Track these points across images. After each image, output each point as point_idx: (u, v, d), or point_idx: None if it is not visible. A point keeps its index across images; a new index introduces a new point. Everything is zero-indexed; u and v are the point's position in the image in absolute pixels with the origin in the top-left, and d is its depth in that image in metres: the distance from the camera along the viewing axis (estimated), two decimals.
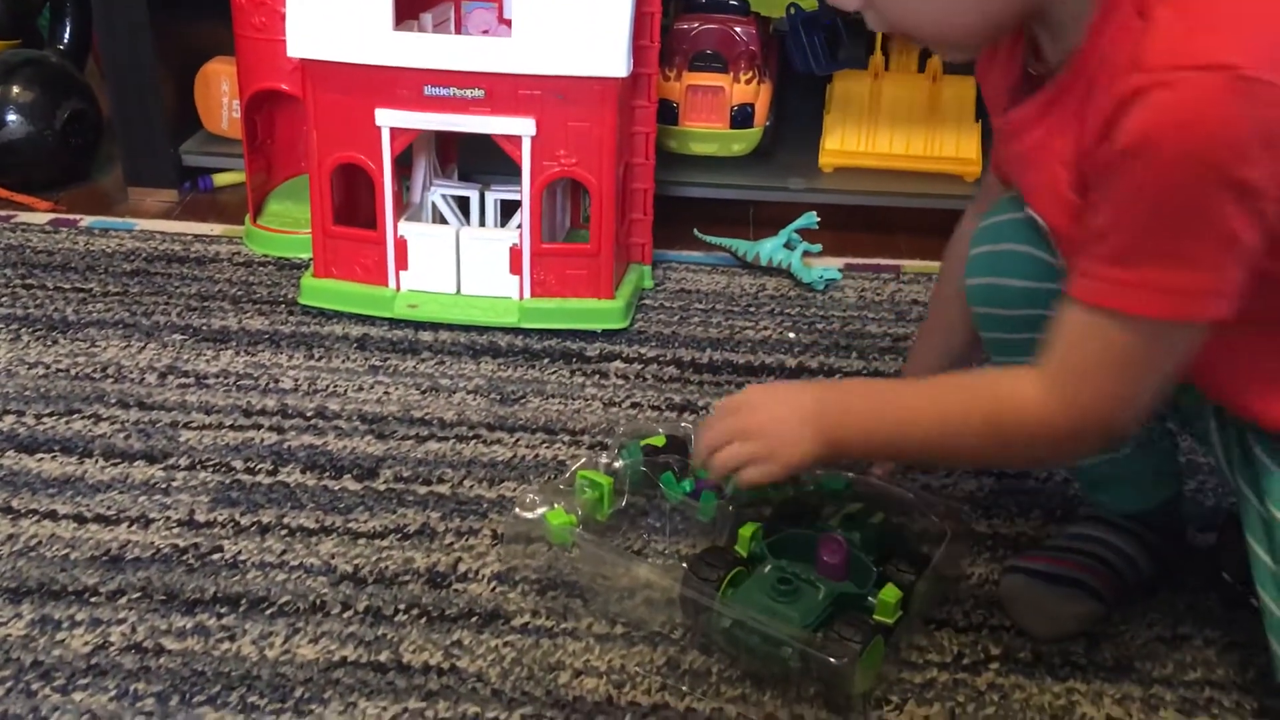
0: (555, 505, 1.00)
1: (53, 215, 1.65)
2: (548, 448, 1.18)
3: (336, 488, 1.11)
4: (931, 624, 0.96)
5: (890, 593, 0.90)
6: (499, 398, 1.26)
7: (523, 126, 1.32)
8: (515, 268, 1.38)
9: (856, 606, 0.90)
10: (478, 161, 1.56)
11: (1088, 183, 0.76)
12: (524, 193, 1.35)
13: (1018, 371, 0.81)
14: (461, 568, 1.01)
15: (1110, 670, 0.91)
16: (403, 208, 1.41)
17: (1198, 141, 0.68)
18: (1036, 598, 0.96)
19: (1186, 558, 1.01)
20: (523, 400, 1.26)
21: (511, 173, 1.38)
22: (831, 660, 0.84)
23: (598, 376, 1.31)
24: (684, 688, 0.89)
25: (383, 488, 1.12)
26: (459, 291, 1.40)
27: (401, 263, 1.39)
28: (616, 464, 1.06)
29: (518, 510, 0.99)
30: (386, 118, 1.34)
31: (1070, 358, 0.78)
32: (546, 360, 1.34)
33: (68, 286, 1.47)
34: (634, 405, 1.26)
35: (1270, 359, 0.81)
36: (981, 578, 1.01)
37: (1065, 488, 1.12)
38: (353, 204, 1.44)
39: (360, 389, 1.27)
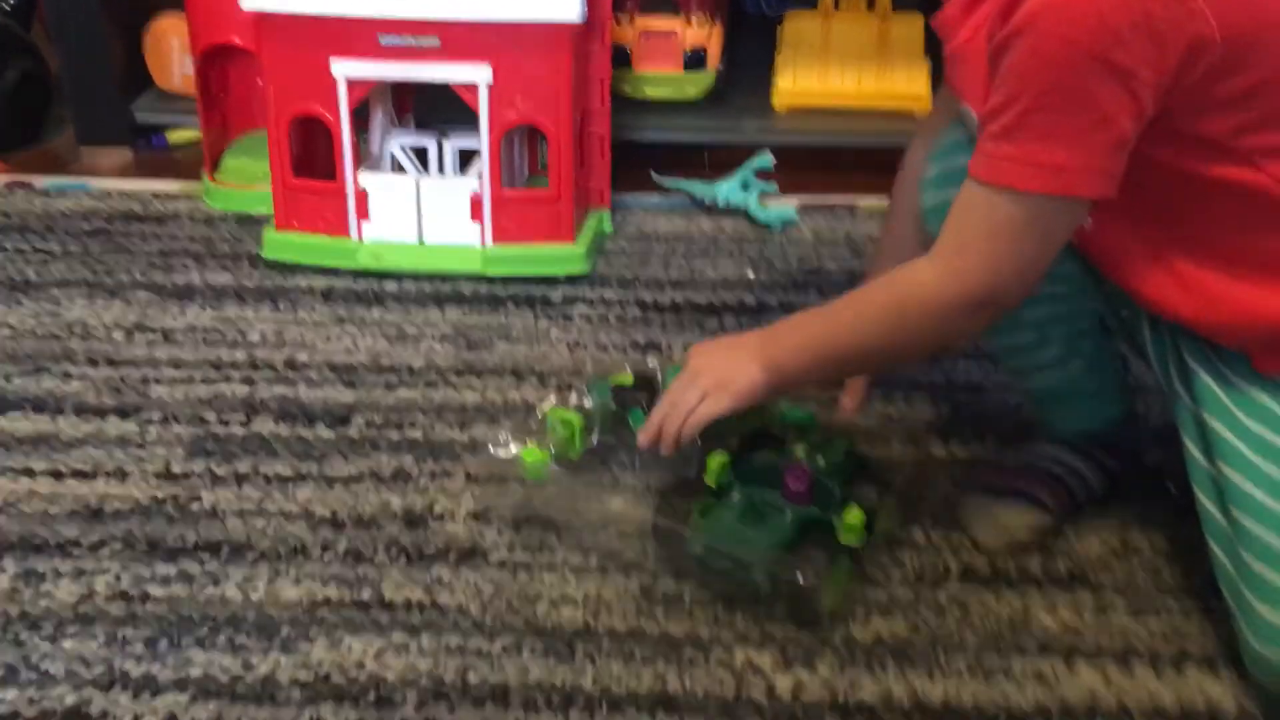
0: (529, 444, 1.02)
1: (8, 178, 1.64)
2: (516, 390, 1.20)
3: (310, 436, 1.13)
4: (894, 543, 0.99)
5: (854, 515, 0.93)
6: (466, 344, 1.28)
7: (479, 74, 1.33)
8: (476, 215, 1.39)
9: (822, 529, 0.93)
10: (435, 111, 1.57)
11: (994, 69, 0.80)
12: (482, 140, 1.36)
13: (916, 260, 0.87)
14: (438, 508, 1.04)
15: (1064, 580, 0.96)
16: (361, 159, 1.42)
17: (1074, 23, 0.73)
18: (989, 511, 1.00)
19: (1135, 472, 1.06)
20: (489, 345, 1.28)
21: (469, 121, 1.39)
22: (799, 580, 0.87)
23: (562, 319, 1.33)
24: (658, 613, 0.93)
25: (356, 434, 1.14)
26: (421, 240, 1.41)
27: (363, 213, 1.40)
28: (586, 403, 1.09)
29: (492, 450, 1.02)
30: (342, 68, 1.34)
31: (956, 231, 0.84)
32: (511, 305, 1.36)
33: (28, 248, 1.46)
34: (599, 347, 1.28)
35: (1146, 241, 0.86)
36: (941, 498, 1.04)
37: (1018, 412, 1.16)
38: (311, 157, 1.44)
39: (328, 339, 1.29)
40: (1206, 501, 0.88)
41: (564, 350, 1.27)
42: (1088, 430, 1.04)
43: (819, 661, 0.88)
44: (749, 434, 1.04)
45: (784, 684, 0.86)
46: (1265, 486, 0.83)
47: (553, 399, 1.11)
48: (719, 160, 1.67)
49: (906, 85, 1.72)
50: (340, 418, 1.16)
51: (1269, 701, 0.84)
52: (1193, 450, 0.90)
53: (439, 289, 1.38)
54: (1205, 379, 0.88)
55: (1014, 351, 1.02)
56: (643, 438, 0.97)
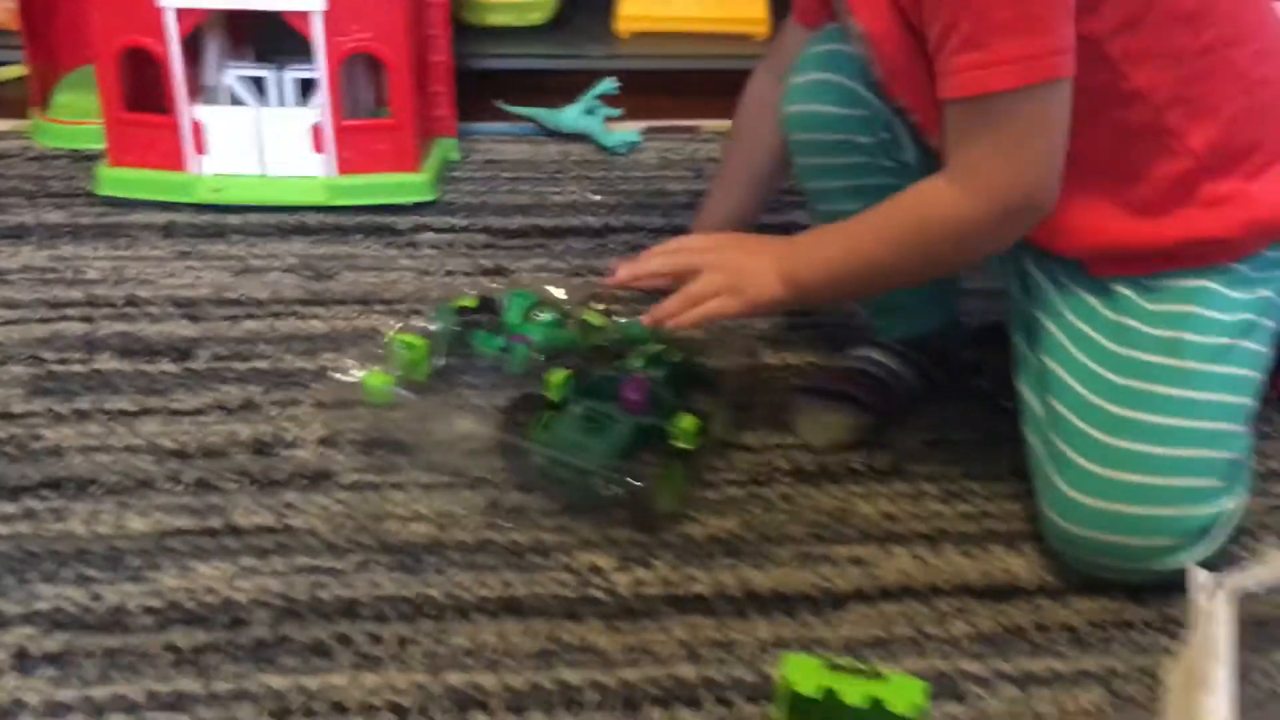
0: (373, 368, 1.04)
1: None
2: (364, 318, 1.22)
3: (153, 371, 1.13)
4: (728, 448, 1.05)
5: (688, 422, 0.98)
6: (312, 274, 1.29)
7: (312, 1, 1.32)
8: (319, 146, 1.38)
9: (658, 437, 0.98)
10: (274, 41, 1.54)
11: None
12: (319, 70, 1.35)
13: (933, 180, 0.89)
14: (286, 436, 1.06)
15: (884, 474, 1.03)
16: (197, 92, 1.39)
17: None
18: (814, 412, 1.06)
19: (953, 374, 1.13)
20: (336, 275, 1.29)
21: (307, 51, 1.37)
22: (635, 483, 0.92)
23: (410, 248, 1.34)
24: (506, 524, 0.97)
25: (201, 367, 1.14)
26: (264, 173, 1.40)
27: (200, 147, 1.38)
28: (431, 326, 1.11)
29: (336, 375, 1.03)
30: None
31: (963, 153, 0.86)
32: (358, 235, 1.36)
33: None
34: (447, 273, 1.30)
35: None
36: (773, 404, 1.10)
37: (849, 319, 1.22)
38: (147, 90, 1.41)
39: (170, 275, 1.28)
40: (1028, 392, 0.96)
41: (412, 278, 1.29)
42: (912, 336, 1.10)
43: (657, 560, 0.93)
44: (589, 350, 1.09)
45: (624, 582, 0.91)
46: (1081, 377, 0.91)
47: (397, 324, 1.12)
48: (565, 85, 1.68)
49: (746, 9, 1.76)
50: (184, 352, 1.16)
51: (1066, 572, 0.92)
52: (1021, 346, 0.98)
53: (284, 221, 1.38)
54: (1040, 280, 0.96)
55: None
56: (648, 318, 0.97)
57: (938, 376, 1.11)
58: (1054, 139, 0.85)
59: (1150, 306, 0.92)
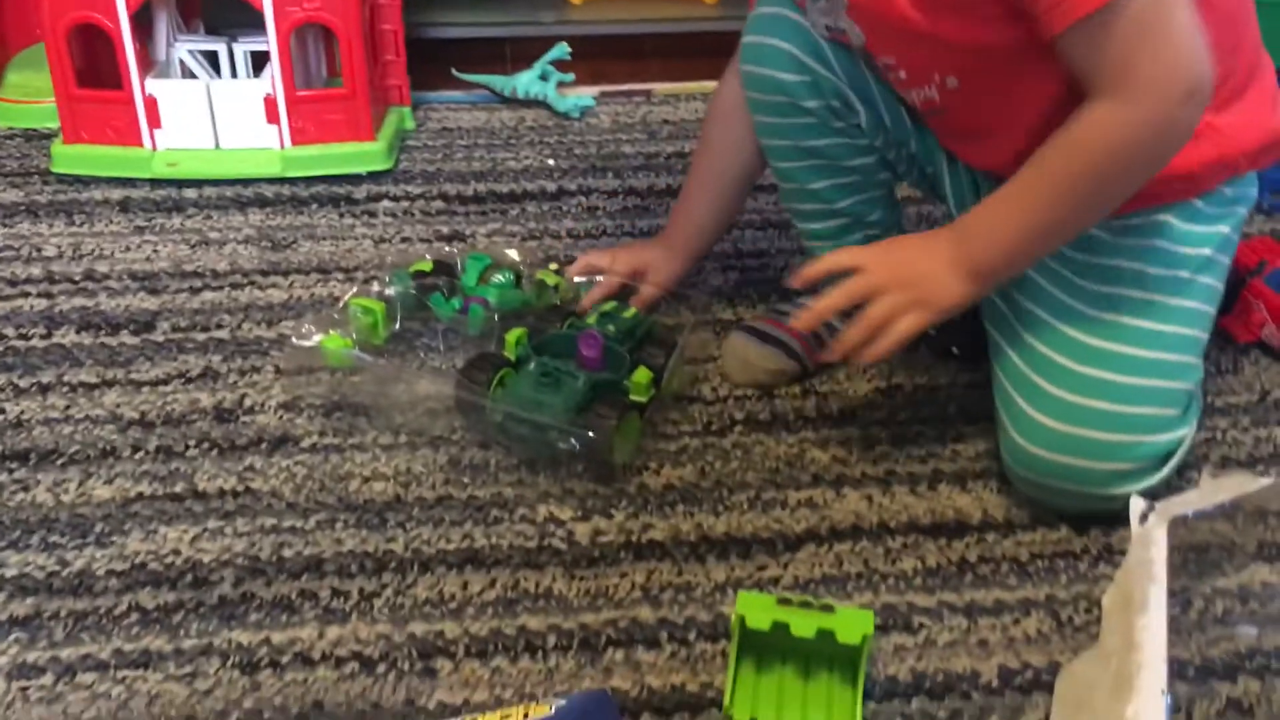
0: (331, 332, 1.05)
1: None
2: (322, 286, 1.23)
3: (114, 343, 1.14)
4: (684, 400, 1.07)
5: (642, 374, 1.00)
6: (270, 245, 1.30)
7: None
8: (272, 117, 1.39)
9: (614, 390, 1.00)
10: (223, 14, 1.54)
11: None
12: (270, 41, 1.36)
13: (1088, 112, 0.84)
14: (247, 402, 1.07)
15: (835, 420, 1.05)
16: (149, 66, 1.40)
17: None
18: (743, 349, 1.08)
19: None
20: (294, 245, 1.30)
21: (258, 24, 1.38)
22: (590, 434, 0.94)
23: (367, 216, 1.35)
24: (465, 480, 0.98)
25: (161, 339, 1.15)
26: (218, 146, 1.41)
27: (154, 121, 1.38)
28: (388, 291, 1.12)
29: (294, 340, 1.04)
30: None
31: (1107, 71, 0.82)
32: (315, 205, 1.37)
33: None
34: (404, 240, 1.31)
35: (1004, 118, 0.92)
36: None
37: None
38: (97, 68, 1.41)
39: (127, 249, 1.28)
40: (994, 328, 0.98)
41: (369, 246, 1.30)
42: None
43: (615, 509, 0.95)
44: (544, 309, 1.10)
45: (583, 531, 0.93)
46: (1051, 308, 0.93)
47: (354, 289, 1.13)
48: (518, 52, 1.69)
49: None
50: (144, 324, 1.17)
51: (1013, 508, 0.95)
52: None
53: (240, 193, 1.38)
54: None
55: (804, 217, 1.09)
56: (835, 354, 0.93)
57: None
58: (1184, 11, 0.81)
59: (1115, 241, 0.94)
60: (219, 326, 1.17)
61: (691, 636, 0.84)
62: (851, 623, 0.77)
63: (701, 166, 1.14)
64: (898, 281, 0.90)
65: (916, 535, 0.93)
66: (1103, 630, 0.79)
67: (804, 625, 0.77)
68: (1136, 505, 0.82)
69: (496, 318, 1.08)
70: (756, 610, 0.78)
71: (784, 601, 0.78)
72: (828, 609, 0.78)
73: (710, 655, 0.83)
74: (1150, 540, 0.79)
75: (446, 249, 1.18)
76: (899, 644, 0.84)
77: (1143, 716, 0.69)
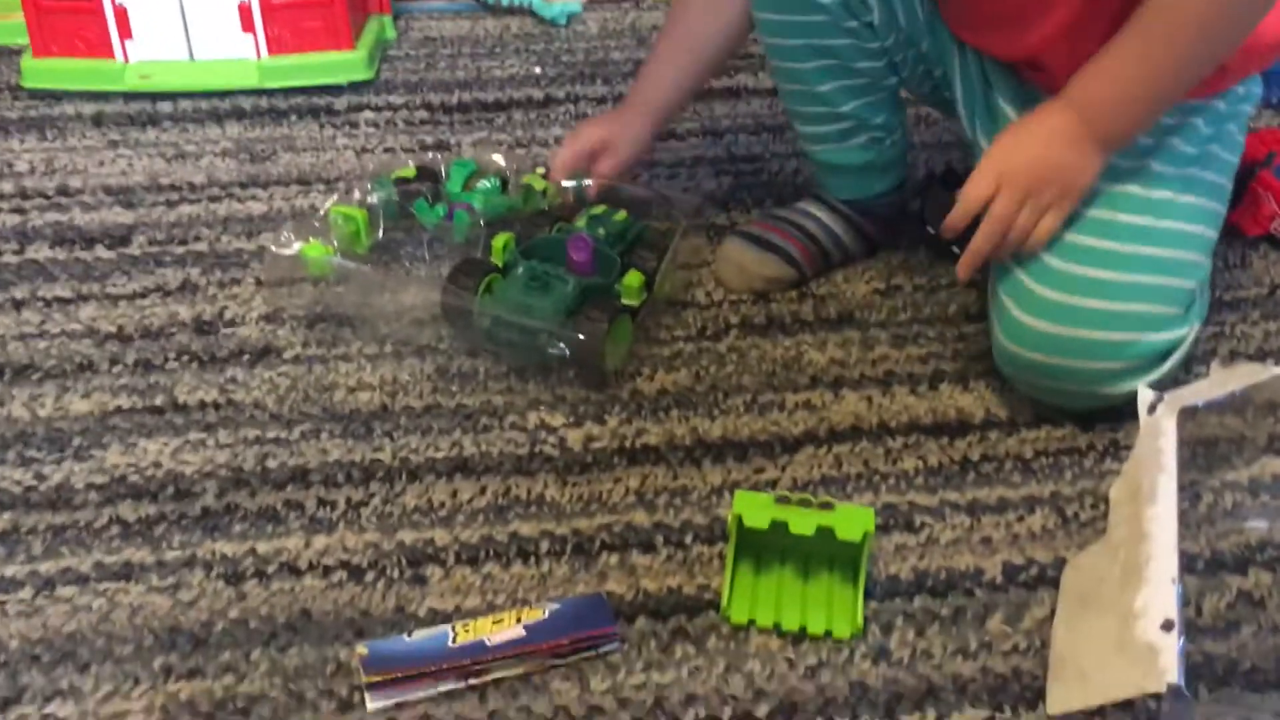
0: (312, 240, 1.02)
1: None
2: (304, 198, 1.19)
3: (89, 258, 1.11)
4: (677, 306, 1.04)
5: (633, 278, 0.97)
6: (249, 157, 1.26)
7: None
8: (247, 26, 1.34)
9: (604, 294, 0.97)
10: None
11: None
12: None
13: None
14: (228, 314, 1.04)
15: (833, 321, 1.02)
16: None
17: None
18: (739, 255, 1.05)
19: (893, 237, 1.10)
20: (273, 157, 1.26)
21: None
22: (581, 336, 0.91)
23: (348, 127, 1.31)
24: (453, 388, 0.96)
25: (138, 252, 1.11)
26: (192, 57, 1.36)
27: (125, 32, 1.34)
28: (370, 198, 1.08)
29: (273, 250, 1.01)
30: None
31: None
32: (294, 117, 1.33)
33: None
34: (387, 150, 1.27)
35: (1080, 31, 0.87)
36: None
37: (795, 178, 1.20)
38: None
39: (101, 164, 1.24)
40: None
41: (351, 157, 1.26)
42: (859, 198, 1.08)
43: (608, 415, 0.93)
44: (532, 214, 1.07)
45: (575, 437, 0.91)
46: None
47: (335, 197, 1.10)
48: None
49: None
50: (120, 238, 1.13)
51: (1016, 406, 0.92)
52: None
53: (217, 105, 1.34)
54: (1012, 115, 0.94)
55: (806, 120, 1.05)
56: (963, 269, 0.90)
57: (878, 239, 1.10)
58: None
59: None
60: (197, 239, 1.13)
61: (688, 540, 0.82)
62: (852, 520, 0.75)
63: (676, 26, 1.08)
64: (1036, 182, 0.86)
65: (918, 435, 0.90)
66: (1110, 523, 0.77)
67: (803, 523, 0.75)
68: (1144, 396, 0.79)
69: (482, 223, 1.04)
70: (754, 509, 0.76)
71: (782, 500, 0.76)
72: (827, 506, 0.76)
73: (707, 558, 0.81)
74: (1159, 430, 0.76)
75: (430, 155, 1.14)
76: (900, 543, 0.82)
77: (1152, 606, 0.67)
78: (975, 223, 0.89)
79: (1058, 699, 0.71)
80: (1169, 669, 0.63)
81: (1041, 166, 0.86)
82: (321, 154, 1.26)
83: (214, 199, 1.19)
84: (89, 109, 1.33)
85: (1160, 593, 0.67)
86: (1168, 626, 0.65)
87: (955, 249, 1.06)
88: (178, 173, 1.23)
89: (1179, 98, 0.88)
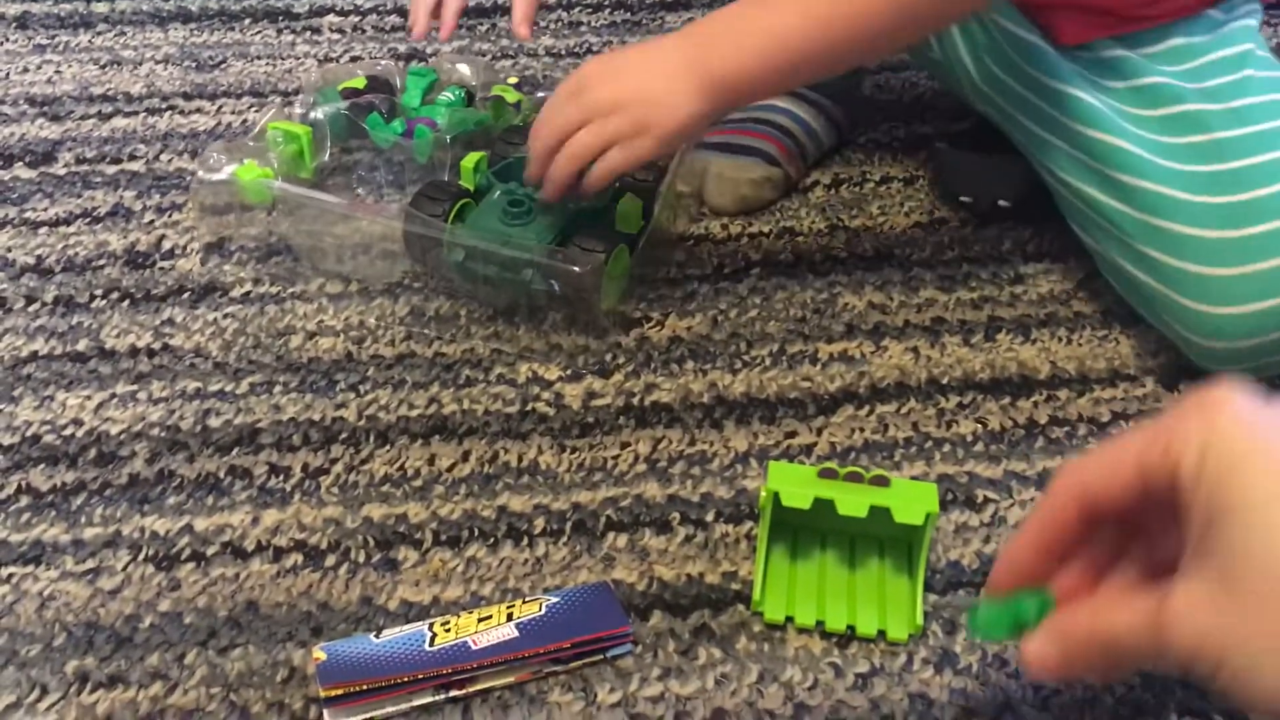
0: (246, 162, 0.87)
1: None
2: (256, 111, 1.04)
3: (6, 177, 0.96)
4: (689, 239, 0.90)
5: (630, 203, 0.83)
6: (195, 65, 1.10)
7: None
8: None
9: (597, 221, 0.83)
10: None
11: None
12: None
13: None
14: (166, 245, 0.89)
15: (870, 260, 0.89)
16: None
17: None
18: (715, 167, 0.93)
19: (863, 122, 1.02)
20: (223, 65, 1.10)
21: None
22: (574, 269, 0.77)
23: (309, 33, 1.16)
24: (430, 334, 0.82)
25: (63, 171, 0.96)
26: None
27: None
28: (314, 113, 0.94)
29: (201, 173, 0.86)
30: None
31: None
32: (248, 21, 1.17)
33: None
34: (354, 60, 1.12)
35: None
36: None
37: None
38: None
39: (25, 71, 1.09)
40: (1082, 230, 0.82)
41: (312, 66, 1.11)
42: (821, 85, 0.97)
43: (612, 367, 0.79)
44: (505, 131, 0.92)
45: (573, 393, 0.77)
46: (1163, 179, 0.76)
47: (271, 112, 0.94)
48: None
49: None
50: (43, 155, 0.98)
51: (1085, 359, 0.80)
52: (1059, 174, 0.82)
53: (159, 7, 1.18)
54: (1063, 93, 0.81)
55: None
56: (530, 173, 0.77)
57: (845, 126, 1.01)
58: None
59: (1190, 85, 0.78)
60: (133, 158, 0.98)
61: (709, 517, 0.69)
62: (911, 497, 0.62)
63: None
64: (610, 102, 0.73)
65: (974, 394, 0.78)
66: None
67: (853, 502, 0.62)
68: None
69: (449, 140, 0.90)
70: (793, 484, 0.63)
71: (826, 474, 0.63)
72: (880, 481, 0.63)
73: (733, 539, 0.68)
74: None
75: (381, 64, 0.99)
76: (961, 522, 0.69)
77: None
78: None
79: None
80: None
81: (627, 86, 0.73)
82: (278, 63, 1.11)
83: (153, 111, 1.04)
84: (13, 9, 1.17)
85: None
86: None
87: (1002, 203, 0.93)
88: (112, 81, 1.07)
89: (832, 62, 0.76)
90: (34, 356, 0.79)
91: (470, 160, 0.85)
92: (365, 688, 0.59)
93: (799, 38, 0.72)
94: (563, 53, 1.14)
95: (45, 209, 0.92)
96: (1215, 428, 0.41)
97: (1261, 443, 0.40)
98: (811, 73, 0.78)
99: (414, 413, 0.76)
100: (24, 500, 0.70)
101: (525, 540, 0.68)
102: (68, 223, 0.91)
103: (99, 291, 0.85)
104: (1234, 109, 0.76)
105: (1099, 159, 0.78)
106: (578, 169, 0.75)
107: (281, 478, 0.71)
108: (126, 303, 0.84)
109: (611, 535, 0.68)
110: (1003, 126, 0.87)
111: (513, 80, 0.97)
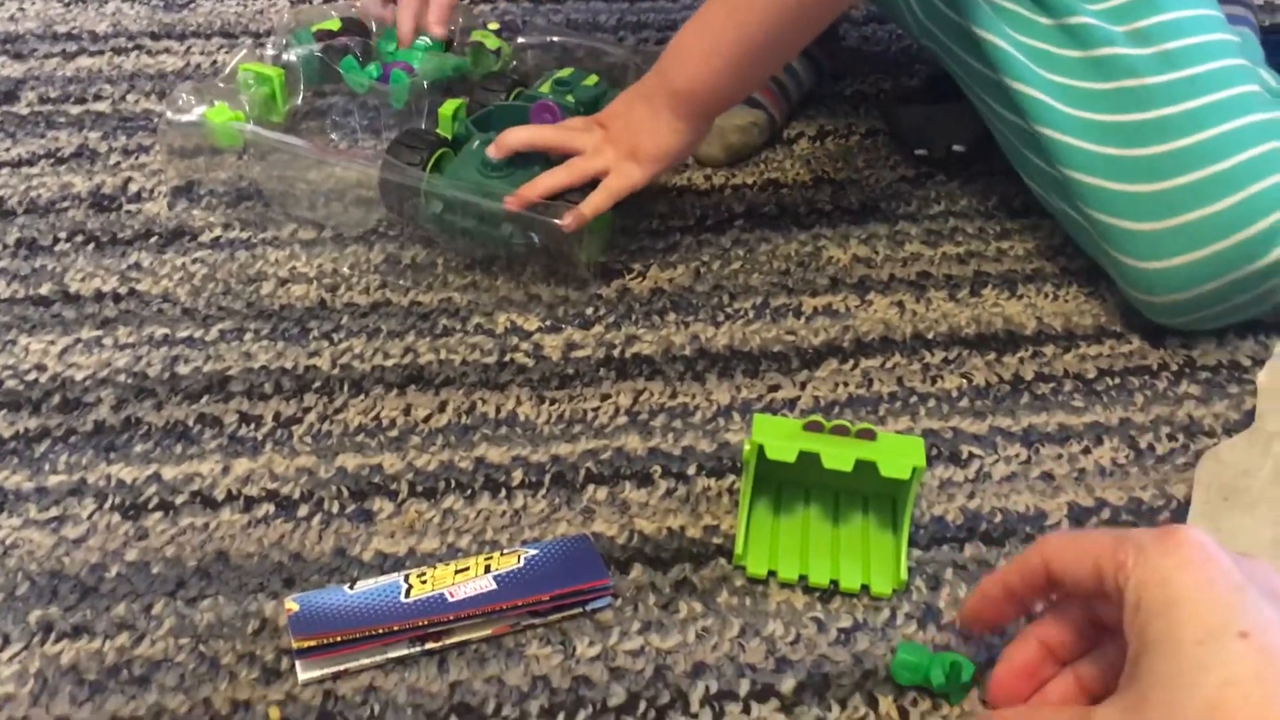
0: (216, 104, 0.84)
1: None
2: (227, 53, 1.01)
3: None
4: (671, 190, 0.89)
5: None
6: (163, 4, 1.07)
7: None
8: None
9: None
10: None
11: None
12: None
13: None
14: (133, 187, 0.87)
15: (855, 213, 0.87)
16: None
17: None
18: None
19: (844, 63, 1.02)
20: (192, 5, 1.07)
21: None
22: (555, 221, 0.75)
23: None
24: (406, 283, 0.80)
25: (25, 111, 0.94)
26: None
27: None
28: (287, 55, 0.91)
29: (169, 115, 0.83)
30: None
31: None
32: None
33: None
34: (327, 1, 1.09)
35: None
36: None
37: None
38: None
39: None
40: (1038, 187, 0.81)
41: (285, 7, 1.08)
42: None
43: (592, 319, 0.78)
44: (484, 77, 0.90)
45: (552, 344, 0.76)
46: (1071, 129, 0.75)
47: (242, 53, 0.91)
48: None
49: None
50: (5, 94, 0.95)
51: (1072, 315, 0.79)
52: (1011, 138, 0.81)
53: None
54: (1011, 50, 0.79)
55: None
56: (512, 202, 0.76)
57: (827, 67, 1.00)
58: None
59: (1119, 28, 0.76)
60: (98, 98, 0.95)
61: (690, 470, 0.68)
62: (897, 452, 0.61)
63: None
64: (591, 142, 0.78)
65: (959, 348, 0.77)
66: (1259, 411, 0.66)
67: (839, 456, 0.61)
68: None
69: (426, 85, 0.87)
70: (777, 437, 0.61)
71: (812, 426, 0.62)
72: (867, 435, 0.62)
73: (714, 493, 0.67)
74: None
75: (354, 7, 0.96)
76: (946, 478, 0.68)
77: None
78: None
79: None
80: None
81: (622, 123, 0.78)
82: (249, 3, 1.08)
83: (120, 51, 1.00)
84: None
85: None
86: None
87: (956, 148, 0.91)
88: (77, 19, 1.04)
89: (782, 51, 0.79)
90: None
91: (448, 108, 0.83)
92: (339, 639, 0.57)
93: (743, 36, 0.75)
94: None
95: (7, 149, 0.89)
96: (1160, 568, 0.46)
97: (1204, 589, 0.44)
98: (761, 68, 0.79)
99: (389, 362, 0.74)
100: None
101: (503, 492, 0.66)
102: (30, 163, 0.88)
103: (63, 234, 0.82)
104: (1164, 52, 0.74)
105: (1015, 108, 0.77)
106: (562, 188, 0.76)
107: (253, 426, 0.70)
108: (91, 246, 0.81)
109: (591, 488, 0.67)
110: (948, 68, 0.85)
111: (493, 26, 0.95)
